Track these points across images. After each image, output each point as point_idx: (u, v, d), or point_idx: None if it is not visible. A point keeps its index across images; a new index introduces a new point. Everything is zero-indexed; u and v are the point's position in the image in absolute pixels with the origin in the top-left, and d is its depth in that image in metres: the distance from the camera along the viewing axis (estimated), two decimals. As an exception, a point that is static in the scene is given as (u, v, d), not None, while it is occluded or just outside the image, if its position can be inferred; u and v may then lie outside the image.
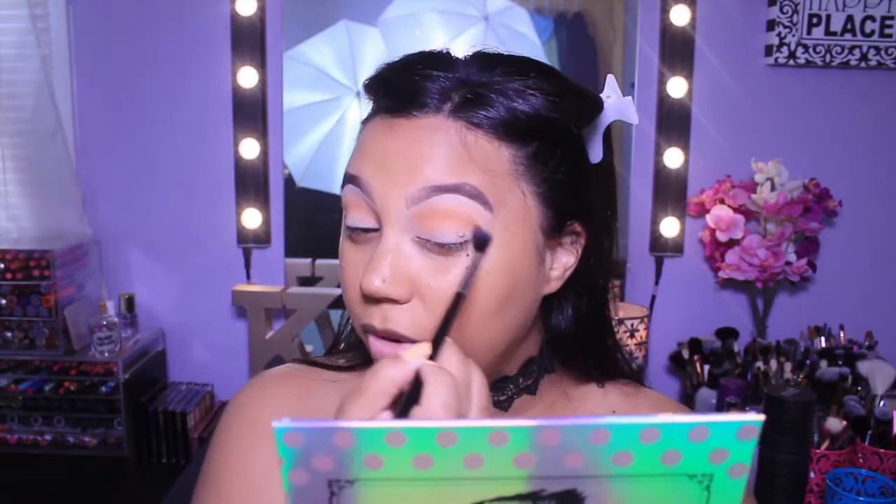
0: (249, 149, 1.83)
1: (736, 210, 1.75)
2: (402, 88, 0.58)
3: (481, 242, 0.53)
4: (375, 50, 1.82)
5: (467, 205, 0.55)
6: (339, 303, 1.67)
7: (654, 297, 1.89)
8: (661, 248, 1.87)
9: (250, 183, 1.85)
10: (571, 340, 0.67)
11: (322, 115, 1.86)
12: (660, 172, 1.83)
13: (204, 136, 1.86)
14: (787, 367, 1.56)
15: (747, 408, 1.49)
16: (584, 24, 1.83)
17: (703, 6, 1.78)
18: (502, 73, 0.58)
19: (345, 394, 0.47)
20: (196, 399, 1.78)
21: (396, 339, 0.58)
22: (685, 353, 1.72)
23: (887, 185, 1.86)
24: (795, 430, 1.20)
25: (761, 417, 0.34)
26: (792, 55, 1.75)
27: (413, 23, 1.83)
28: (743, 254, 1.74)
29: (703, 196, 1.81)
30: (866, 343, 1.71)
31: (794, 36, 1.74)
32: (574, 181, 0.61)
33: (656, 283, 1.89)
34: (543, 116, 0.57)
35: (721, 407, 1.52)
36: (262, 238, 1.88)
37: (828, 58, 1.75)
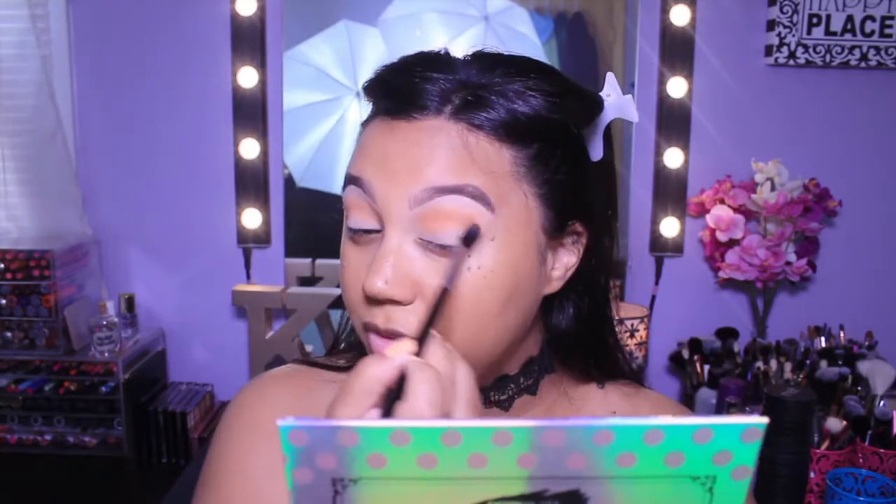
0: (249, 149, 1.83)
1: (736, 210, 1.75)
2: (401, 90, 0.58)
3: (470, 237, 0.54)
4: (375, 50, 1.82)
5: (470, 206, 0.55)
6: (339, 303, 1.67)
7: (654, 297, 1.89)
8: (661, 248, 1.87)
9: (250, 183, 1.85)
10: (572, 340, 0.67)
11: (322, 115, 1.86)
12: (660, 172, 1.83)
13: (204, 136, 1.86)
14: (787, 367, 1.56)
15: (747, 408, 1.49)
16: (584, 24, 1.83)
17: (703, 6, 1.78)
18: (502, 74, 0.58)
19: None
20: (196, 399, 1.78)
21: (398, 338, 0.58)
22: (685, 353, 1.72)
23: (887, 185, 1.86)
24: (795, 430, 1.20)
25: (765, 420, 0.34)
26: (792, 55, 1.75)
27: (413, 23, 1.83)
28: (743, 254, 1.74)
29: (703, 196, 1.81)
30: (866, 343, 1.71)
31: (794, 36, 1.74)
32: (575, 181, 0.61)
33: (656, 283, 1.89)
34: (544, 118, 0.57)
35: (721, 407, 1.52)
36: (262, 238, 1.88)
37: (828, 58, 1.75)
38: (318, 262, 1.89)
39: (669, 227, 1.85)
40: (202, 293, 1.92)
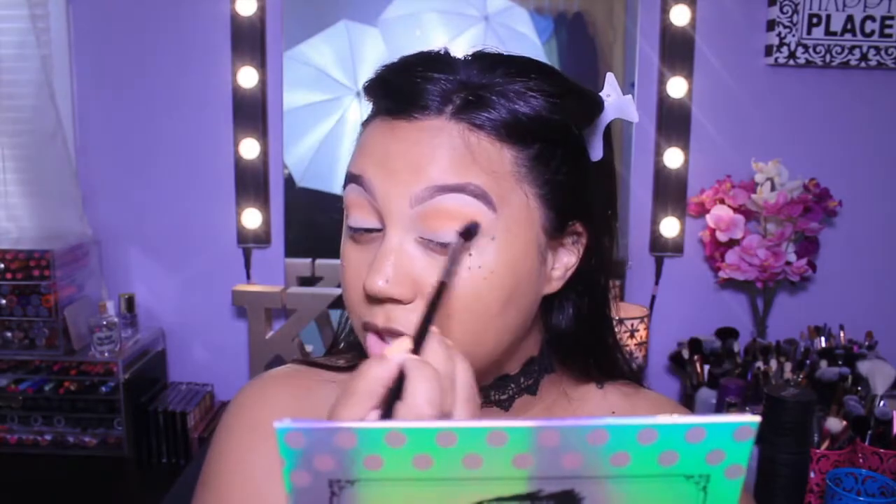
0: (249, 149, 1.83)
1: (736, 210, 1.75)
2: (402, 90, 0.58)
3: (468, 231, 0.54)
4: (375, 50, 1.83)
5: (472, 205, 0.55)
6: (339, 303, 1.67)
7: (654, 297, 1.89)
8: (661, 248, 1.87)
9: (250, 183, 1.85)
10: (572, 340, 0.67)
11: (322, 115, 1.86)
12: (660, 172, 1.83)
13: (204, 136, 1.86)
14: (787, 367, 1.56)
15: (747, 408, 1.49)
16: (584, 24, 1.83)
17: (703, 6, 1.78)
18: (503, 74, 0.58)
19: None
20: (196, 399, 1.78)
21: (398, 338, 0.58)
22: (685, 353, 1.72)
23: (887, 185, 1.86)
24: (795, 430, 1.20)
25: (757, 418, 0.34)
26: (792, 55, 1.75)
27: (413, 23, 1.83)
28: (743, 254, 1.74)
29: (703, 196, 1.81)
30: (866, 343, 1.71)
31: (794, 36, 1.74)
32: (575, 182, 0.61)
33: (656, 283, 1.89)
34: (545, 118, 0.57)
35: (721, 407, 1.52)
36: (262, 238, 1.88)
37: (828, 58, 1.75)
38: (318, 262, 1.89)
39: (669, 227, 1.85)
40: (202, 293, 1.92)
